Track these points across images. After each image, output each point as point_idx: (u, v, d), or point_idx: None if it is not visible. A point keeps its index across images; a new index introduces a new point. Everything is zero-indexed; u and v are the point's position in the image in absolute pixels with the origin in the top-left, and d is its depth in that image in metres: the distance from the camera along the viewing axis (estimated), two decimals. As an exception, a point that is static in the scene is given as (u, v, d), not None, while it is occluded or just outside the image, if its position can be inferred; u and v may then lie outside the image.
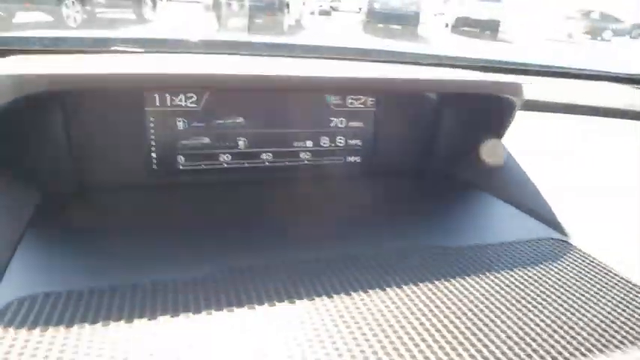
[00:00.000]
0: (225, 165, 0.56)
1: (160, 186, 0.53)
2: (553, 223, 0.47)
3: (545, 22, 14.36)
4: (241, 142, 0.56)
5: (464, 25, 10.97)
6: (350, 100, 0.59)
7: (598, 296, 0.36)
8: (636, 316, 0.33)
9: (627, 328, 0.32)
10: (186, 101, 0.52)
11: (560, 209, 0.48)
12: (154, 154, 0.53)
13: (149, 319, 0.29)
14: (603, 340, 0.30)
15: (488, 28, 11.03)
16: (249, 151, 0.56)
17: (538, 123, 0.71)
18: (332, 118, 0.59)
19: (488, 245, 0.42)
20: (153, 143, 0.53)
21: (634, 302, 0.35)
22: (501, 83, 0.54)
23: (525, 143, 0.61)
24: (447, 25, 11.49)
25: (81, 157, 0.50)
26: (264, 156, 0.57)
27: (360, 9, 10.47)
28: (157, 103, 0.52)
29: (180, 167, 0.54)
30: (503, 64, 1.02)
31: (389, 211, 0.52)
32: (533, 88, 0.91)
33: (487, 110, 0.57)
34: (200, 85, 0.49)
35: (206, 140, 0.54)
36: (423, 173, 0.62)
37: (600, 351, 0.29)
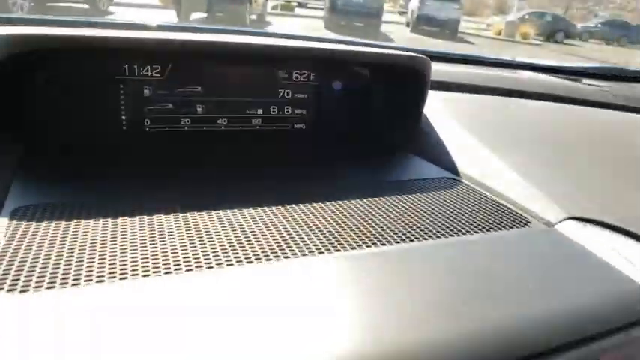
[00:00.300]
0: (186, 128, 0.65)
1: (129, 145, 0.61)
2: (454, 171, 0.58)
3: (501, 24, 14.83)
4: (200, 109, 0.65)
5: (424, 24, 11.25)
6: (295, 75, 0.69)
7: (457, 204, 0.49)
8: (479, 213, 0.47)
9: (472, 221, 0.45)
10: (151, 72, 0.61)
11: (463, 160, 0.60)
12: (123, 117, 0.62)
13: (130, 218, 0.38)
14: (454, 227, 0.43)
15: (448, 28, 11.34)
16: (206, 116, 0.65)
17: (467, 101, 0.84)
18: (280, 90, 0.69)
19: (396, 181, 0.54)
20: (123, 108, 0.61)
21: (484, 209, 0.48)
22: (409, 57, 0.66)
23: (454, 116, 0.72)
24: (407, 24, 11.75)
25: (60, 119, 0.58)
26: (220, 121, 0.66)
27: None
28: (127, 73, 0.60)
29: (147, 129, 0.63)
30: (441, 54, 1.14)
31: (325, 165, 0.62)
32: (465, 74, 1.04)
33: (407, 84, 0.69)
34: (163, 48, 0.57)
35: (169, 106, 0.63)
36: (358, 137, 0.73)
37: (450, 234, 0.41)
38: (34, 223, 0.36)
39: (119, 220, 0.38)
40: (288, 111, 0.70)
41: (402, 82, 0.69)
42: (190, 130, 0.65)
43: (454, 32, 11.44)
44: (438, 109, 0.73)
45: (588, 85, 1.16)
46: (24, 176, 0.46)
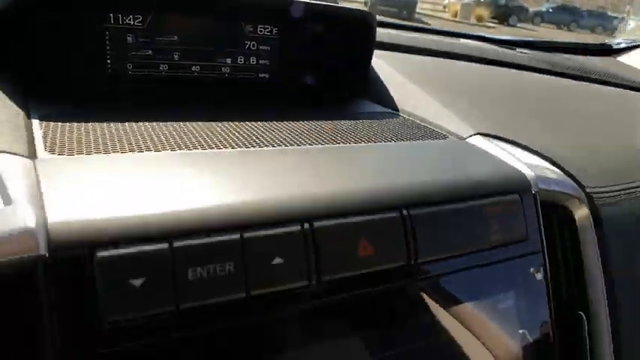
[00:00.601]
0: (164, 73, 0.74)
1: (114, 86, 0.70)
2: (395, 108, 0.70)
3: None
4: (176, 56, 0.74)
5: (382, 4, 11.38)
6: (260, 29, 0.78)
7: (390, 126, 0.60)
8: (407, 131, 0.58)
9: (399, 135, 0.57)
10: (134, 21, 0.70)
11: (403, 101, 0.72)
12: (109, 61, 0.70)
13: (135, 122, 0.49)
14: (381, 137, 0.55)
15: (406, 8, 11.51)
16: (182, 63, 0.74)
17: (413, 60, 0.96)
18: (247, 42, 0.78)
19: (345, 114, 0.65)
20: (108, 53, 0.70)
21: (412, 128, 0.60)
22: (357, 10, 0.77)
23: (399, 70, 0.84)
24: (365, 4, 11.83)
25: (55, 60, 0.66)
26: (193, 68, 0.75)
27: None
28: (112, 22, 0.68)
29: (130, 73, 0.71)
30: (391, 22, 1.26)
31: (284, 105, 0.73)
32: (415, 39, 1.16)
33: (357, 37, 0.80)
34: None
35: (149, 53, 0.72)
36: (314, 85, 0.84)
37: (375, 142, 0.53)
38: (59, 122, 0.45)
39: (126, 123, 0.48)
40: (253, 61, 0.79)
41: (353, 35, 0.80)
42: (168, 74, 0.74)
43: (411, 13, 11.64)
44: (387, 64, 0.84)
45: (521, 53, 1.31)
46: (36, 98, 0.54)
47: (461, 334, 0.41)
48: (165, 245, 0.29)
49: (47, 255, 0.27)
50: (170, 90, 0.73)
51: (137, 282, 0.28)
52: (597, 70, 1.22)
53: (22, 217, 0.27)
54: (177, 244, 0.29)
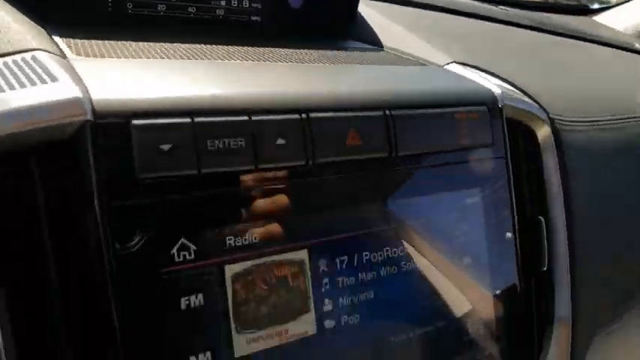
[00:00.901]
0: (162, 13, 0.78)
1: (114, 23, 0.74)
2: (380, 45, 0.76)
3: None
4: None
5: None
6: (252, -26, 0.82)
7: (376, 57, 0.66)
8: (390, 61, 0.64)
9: (381, 61, 0.62)
10: None
11: (389, 39, 0.77)
12: (110, 0, 0.74)
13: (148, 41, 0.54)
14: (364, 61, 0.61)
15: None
16: (179, 3, 0.78)
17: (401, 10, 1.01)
18: (240, -15, 0.82)
19: (334, 48, 0.70)
20: (108, -10, 0.73)
21: (395, 59, 0.66)
22: None
23: (387, 15, 0.89)
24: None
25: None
26: (190, 9, 0.79)
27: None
28: (108, -39, 0.72)
29: (130, 11, 0.75)
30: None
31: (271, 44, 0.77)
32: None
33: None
34: None
35: None
36: (304, 29, 0.89)
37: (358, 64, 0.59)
38: (78, 39, 0.50)
39: (139, 42, 0.53)
40: (246, 4, 0.84)
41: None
42: (165, 14, 0.78)
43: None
44: (370, 8, 0.89)
45: (500, 9, 1.37)
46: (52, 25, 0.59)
47: (430, 221, 0.48)
48: (188, 120, 0.35)
49: (93, 120, 0.32)
50: (168, 29, 0.77)
51: (166, 147, 0.34)
52: (573, 27, 1.29)
53: (69, 89, 0.33)
54: (197, 119, 0.35)
